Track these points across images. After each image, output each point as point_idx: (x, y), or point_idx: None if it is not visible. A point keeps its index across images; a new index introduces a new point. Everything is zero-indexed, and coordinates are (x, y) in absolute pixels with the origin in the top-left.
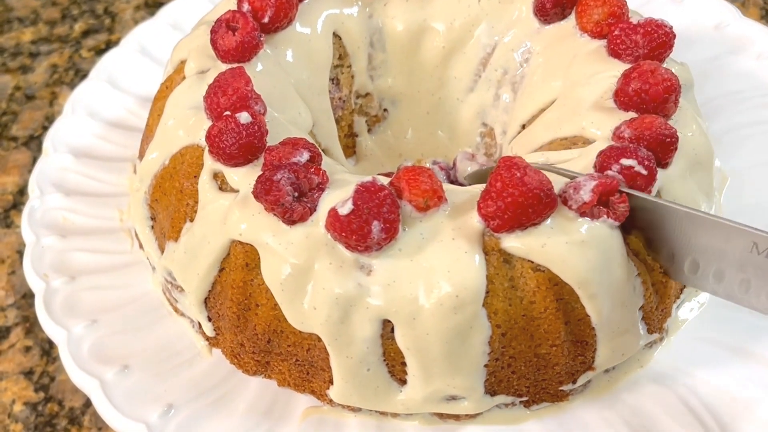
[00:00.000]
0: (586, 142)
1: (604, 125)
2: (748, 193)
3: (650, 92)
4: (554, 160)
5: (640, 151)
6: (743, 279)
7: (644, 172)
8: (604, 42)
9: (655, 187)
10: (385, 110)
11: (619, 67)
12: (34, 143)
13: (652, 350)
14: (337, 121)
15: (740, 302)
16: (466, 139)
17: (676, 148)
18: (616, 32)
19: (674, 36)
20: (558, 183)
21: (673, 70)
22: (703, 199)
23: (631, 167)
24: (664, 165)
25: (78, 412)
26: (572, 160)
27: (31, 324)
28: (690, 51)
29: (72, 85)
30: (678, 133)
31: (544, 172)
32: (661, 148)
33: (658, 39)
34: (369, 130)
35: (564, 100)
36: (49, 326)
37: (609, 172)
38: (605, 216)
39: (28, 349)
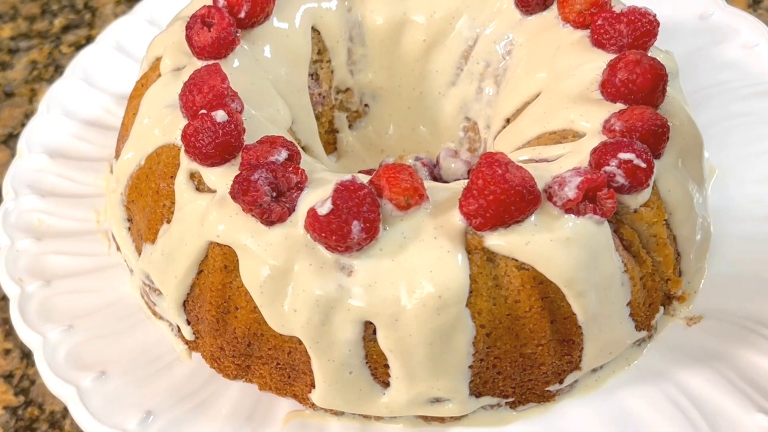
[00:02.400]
0: (576, 135)
1: (592, 118)
2: (735, 186)
3: (638, 82)
4: (546, 155)
5: (636, 144)
6: None
7: (643, 165)
8: (587, 32)
9: (652, 179)
10: (365, 105)
11: (603, 58)
12: (13, 141)
13: (640, 348)
14: (317, 117)
15: None
16: (449, 134)
17: (668, 138)
18: (599, 22)
19: (658, 24)
20: (543, 179)
21: (659, 59)
22: (695, 188)
23: (630, 161)
24: (657, 156)
25: (59, 416)
26: (565, 155)
27: (10, 326)
28: (674, 41)
29: (52, 82)
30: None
31: (529, 168)
32: (654, 139)
33: (642, 28)
34: (350, 126)
35: (549, 93)
36: (24, 332)
37: (607, 168)
38: (591, 212)
39: (7, 352)
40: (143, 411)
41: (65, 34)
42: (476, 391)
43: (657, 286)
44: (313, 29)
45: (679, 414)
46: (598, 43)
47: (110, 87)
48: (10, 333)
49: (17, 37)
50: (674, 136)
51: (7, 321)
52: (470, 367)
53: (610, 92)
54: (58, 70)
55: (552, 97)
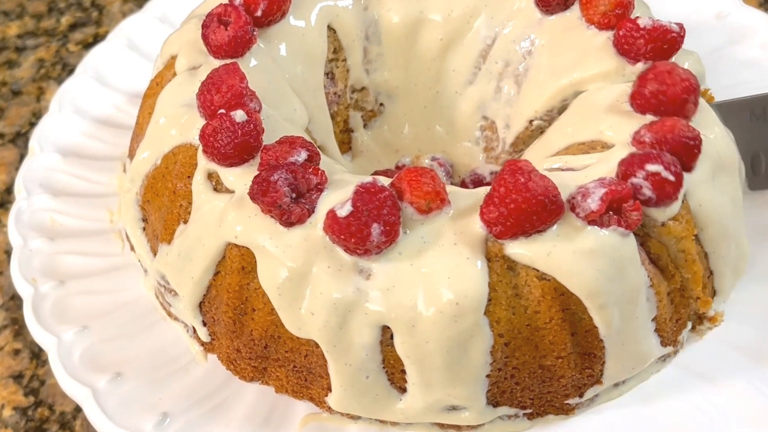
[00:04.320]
0: (605, 146)
1: (622, 129)
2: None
3: (668, 93)
4: (573, 164)
5: (665, 156)
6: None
7: (672, 178)
8: (611, 33)
9: (681, 193)
10: (381, 105)
11: (627, 67)
12: (21, 140)
13: (665, 364)
14: (333, 117)
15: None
16: (465, 134)
17: (700, 151)
18: (622, 32)
19: (681, 39)
20: (567, 188)
21: (686, 65)
22: (729, 204)
23: (657, 173)
24: (688, 169)
25: (69, 417)
26: (592, 166)
27: (20, 326)
28: (691, 41)
29: (59, 80)
30: (701, 136)
31: (552, 176)
32: (685, 152)
33: (662, 46)
34: (365, 126)
35: (579, 104)
36: (38, 333)
37: (634, 180)
38: (616, 224)
39: (17, 352)
40: (159, 413)
41: (72, 32)
42: (494, 401)
43: (686, 302)
44: (329, 28)
45: (704, 421)
46: (622, 50)
47: (122, 85)
48: (19, 333)
49: (24, 36)
50: (707, 150)
51: (16, 321)
52: (488, 376)
53: (639, 104)
54: (66, 68)
55: (582, 109)
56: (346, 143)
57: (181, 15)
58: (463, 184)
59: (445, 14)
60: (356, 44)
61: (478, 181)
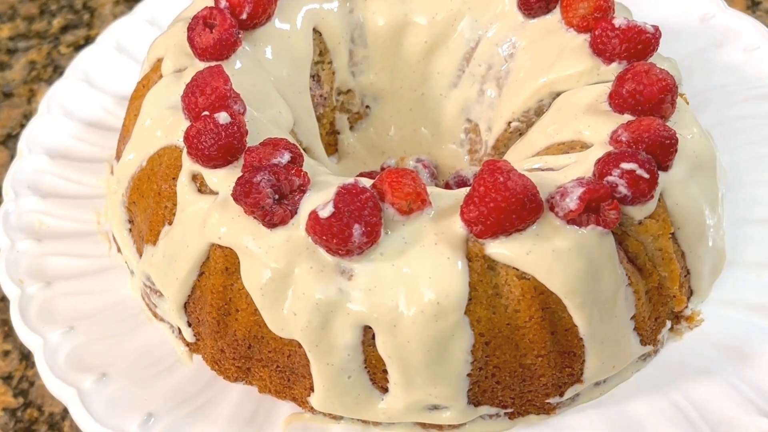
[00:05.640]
0: (584, 146)
1: (600, 129)
2: (738, 188)
3: (645, 93)
4: (552, 164)
5: (640, 155)
6: None
7: (646, 175)
8: (588, 35)
9: (657, 191)
10: (367, 107)
11: (601, 66)
12: (12, 142)
13: (645, 363)
14: (319, 119)
15: None
16: (450, 136)
17: (676, 150)
18: (597, 32)
19: (657, 40)
20: (547, 187)
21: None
22: (706, 204)
23: (632, 171)
24: (664, 168)
25: (58, 418)
26: (570, 165)
27: (9, 327)
28: (675, 43)
29: (50, 82)
30: (677, 135)
31: (532, 176)
32: (661, 151)
33: (635, 46)
34: (351, 128)
35: (560, 104)
36: (24, 333)
37: (609, 178)
38: (594, 223)
39: (6, 353)
40: (144, 413)
41: (64, 34)
42: (475, 400)
43: (664, 300)
44: (315, 30)
45: (684, 422)
46: (598, 51)
47: (110, 88)
48: (9, 334)
49: (16, 38)
50: (684, 149)
51: (6, 322)
52: (468, 375)
53: (617, 103)
54: (57, 70)
55: (562, 109)
56: (332, 145)
57: (170, 18)
58: (447, 186)
59: (430, 17)
60: (342, 47)
61: (461, 183)
